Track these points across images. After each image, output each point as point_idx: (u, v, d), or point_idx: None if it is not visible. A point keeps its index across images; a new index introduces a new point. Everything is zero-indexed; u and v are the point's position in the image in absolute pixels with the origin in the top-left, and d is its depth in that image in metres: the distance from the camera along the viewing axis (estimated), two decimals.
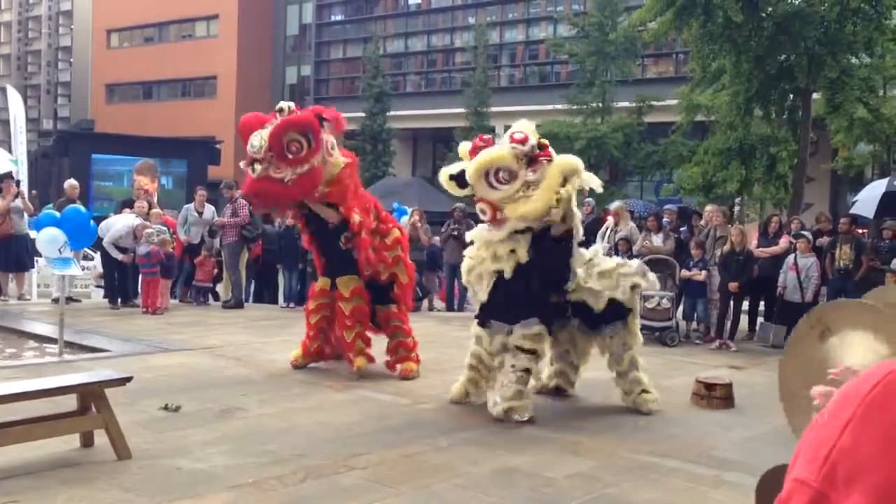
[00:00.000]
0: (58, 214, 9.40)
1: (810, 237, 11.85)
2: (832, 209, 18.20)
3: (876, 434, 0.80)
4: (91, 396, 5.34)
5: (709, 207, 12.91)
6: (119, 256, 12.30)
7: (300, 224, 8.60)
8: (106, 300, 13.03)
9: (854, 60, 15.78)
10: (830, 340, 1.56)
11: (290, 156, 7.46)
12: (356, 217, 7.82)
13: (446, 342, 10.84)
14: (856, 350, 1.47)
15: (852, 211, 13.43)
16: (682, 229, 12.90)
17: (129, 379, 5.57)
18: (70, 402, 5.53)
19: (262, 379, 8.02)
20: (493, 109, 32.53)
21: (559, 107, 28.48)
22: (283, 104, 7.90)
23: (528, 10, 37.04)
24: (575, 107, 27.84)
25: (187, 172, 27.22)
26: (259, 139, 7.51)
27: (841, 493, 0.80)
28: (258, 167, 7.52)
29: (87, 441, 5.48)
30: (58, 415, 5.40)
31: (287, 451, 5.62)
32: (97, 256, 14.37)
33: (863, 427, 0.82)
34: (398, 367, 8.25)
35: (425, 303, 14.60)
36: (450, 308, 14.54)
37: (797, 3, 15.14)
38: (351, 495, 4.85)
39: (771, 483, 1.24)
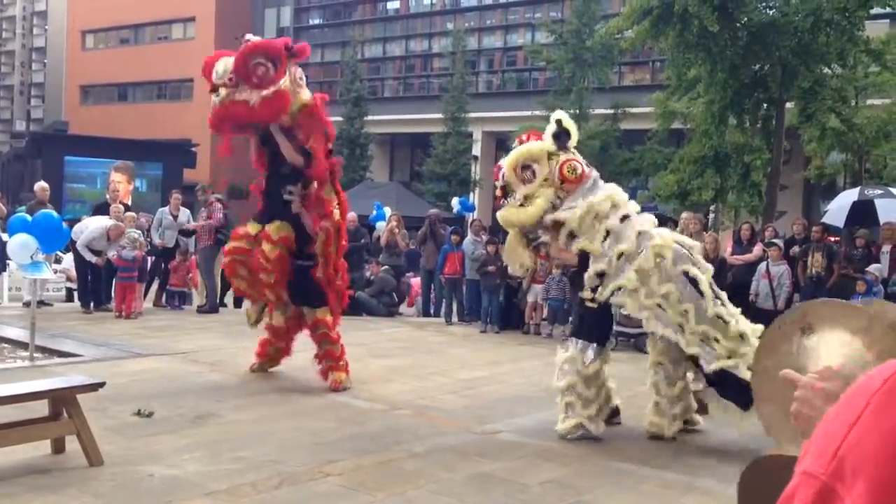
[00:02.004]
0: (29, 218, 9.27)
1: (782, 245, 11.99)
2: (805, 217, 18.41)
3: (883, 429, 0.83)
4: (63, 402, 5.29)
5: (685, 215, 13.02)
6: (93, 259, 12.18)
7: (257, 161, 8.08)
8: (77, 303, 12.89)
9: (827, 71, 15.99)
10: (812, 338, 1.56)
11: (256, 80, 7.29)
12: (321, 165, 7.59)
13: (423, 348, 10.85)
14: (838, 352, 1.48)
15: (824, 220, 13.61)
16: None
17: (101, 384, 5.51)
18: (41, 408, 5.47)
19: (236, 384, 7.97)
20: (471, 115, 32.58)
21: (536, 113, 28.54)
22: (249, 35, 7.76)
23: (506, 16, 37.15)
24: (552, 113, 27.96)
25: (162, 175, 27.05)
26: (224, 65, 7.36)
27: (847, 484, 0.82)
28: (222, 92, 7.35)
29: (59, 447, 5.42)
30: (29, 420, 5.33)
31: (261, 457, 5.59)
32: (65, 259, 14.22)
33: (871, 422, 0.84)
34: (329, 377, 7.85)
35: (402, 308, 14.63)
36: (426, 314, 14.54)
37: (771, 13, 15.32)
38: (326, 502, 4.83)
39: (753, 476, 1.25)
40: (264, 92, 7.26)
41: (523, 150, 6.69)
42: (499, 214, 6.89)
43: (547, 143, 6.71)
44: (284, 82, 7.40)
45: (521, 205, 6.58)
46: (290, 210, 7.78)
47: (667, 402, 6.75)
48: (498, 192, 6.83)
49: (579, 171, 6.58)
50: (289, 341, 8.42)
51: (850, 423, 0.86)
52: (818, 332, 1.57)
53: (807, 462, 0.89)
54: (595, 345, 6.58)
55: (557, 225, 6.65)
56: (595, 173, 6.81)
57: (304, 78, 7.86)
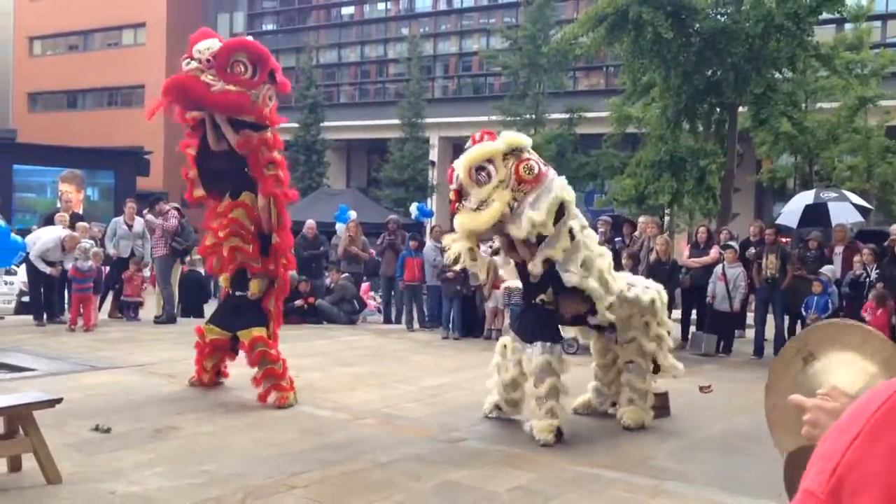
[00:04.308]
0: None
1: (737, 248, 12.18)
2: (757, 219, 18.78)
3: (882, 449, 0.83)
4: (19, 419, 5.15)
5: (642, 219, 13.17)
6: (47, 270, 11.90)
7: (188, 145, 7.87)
8: (29, 316, 12.58)
9: (778, 76, 16.30)
10: (815, 365, 1.58)
11: (230, 72, 7.27)
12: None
13: (385, 355, 10.79)
14: (843, 371, 1.50)
15: (778, 221, 13.87)
16: (616, 240, 13.11)
17: (58, 401, 5.38)
18: None
19: (196, 396, 7.83)
20: (428, 120, 32.60)
21: (493, 118, 28.69)
22: (249, 37, 7.87)
23: (461, 22, 37.23)
24: (508, 118, 28.08)
25: (115, 184, 26.60)
26: (208, 44, 7.35)
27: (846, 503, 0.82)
28: (193, 63, 7.30)
29: (15, 465, 5.28)
30: None
31: (225, 471, 5.50)
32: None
33: (870, 443, 0.84)
34: (271, 395, 7.50)
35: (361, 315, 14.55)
36: (387, 321, 14.47)
37: (723, 20, 15.57)
38: None
39: (798, 460, 1.25)
40: (230, 87, 7.23)
41: (477, 150, 6.42)
42: (455, 220, 6.65)
43: (502, 143, 6.51)
44: (253, 92, 7.35)
45: (477, 209, 6.34)
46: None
47: (639, 397, 7.25)
48: (451, 196, 6.58)
49: (536, 170, 6.40)
50: (218, 361, 8.14)
51: (848, 443, 0.86)
52: (821, 356, 1.59)
53: (808, 480, 0.89)
54: (558, 344, 6.78)
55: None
56: (552, 172, 6.67)
57: (273, 100, 7.72)
